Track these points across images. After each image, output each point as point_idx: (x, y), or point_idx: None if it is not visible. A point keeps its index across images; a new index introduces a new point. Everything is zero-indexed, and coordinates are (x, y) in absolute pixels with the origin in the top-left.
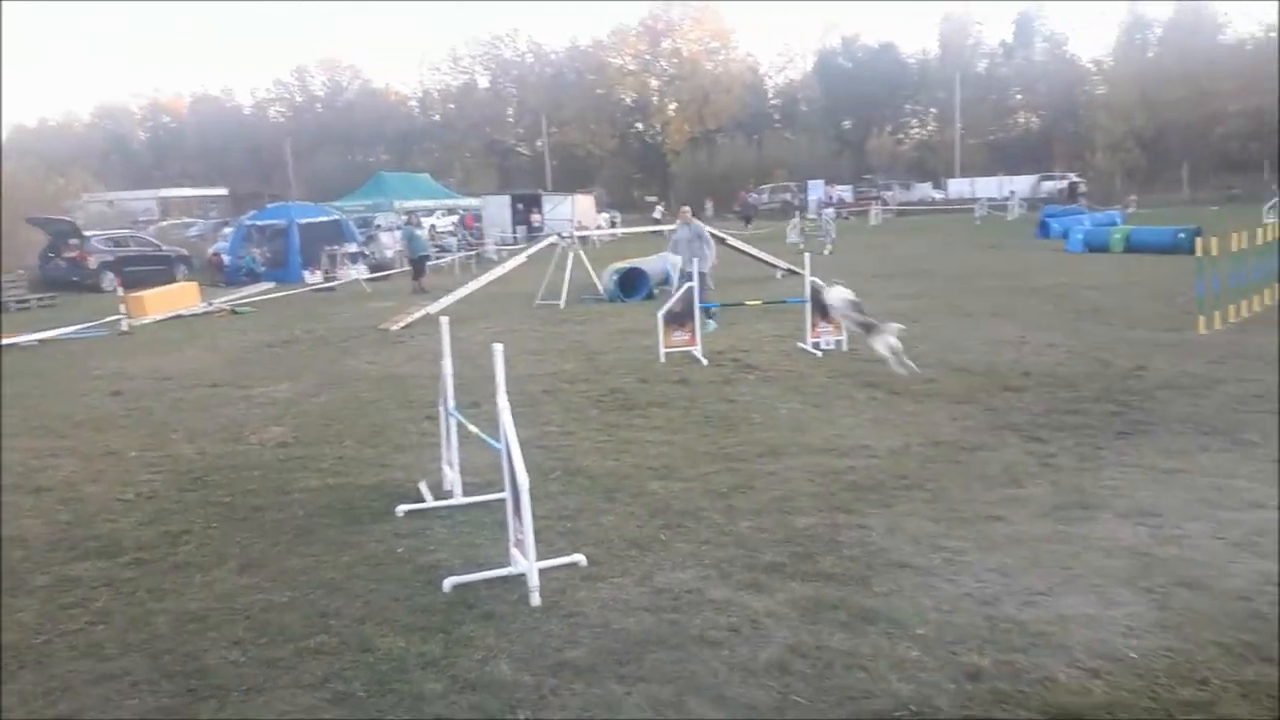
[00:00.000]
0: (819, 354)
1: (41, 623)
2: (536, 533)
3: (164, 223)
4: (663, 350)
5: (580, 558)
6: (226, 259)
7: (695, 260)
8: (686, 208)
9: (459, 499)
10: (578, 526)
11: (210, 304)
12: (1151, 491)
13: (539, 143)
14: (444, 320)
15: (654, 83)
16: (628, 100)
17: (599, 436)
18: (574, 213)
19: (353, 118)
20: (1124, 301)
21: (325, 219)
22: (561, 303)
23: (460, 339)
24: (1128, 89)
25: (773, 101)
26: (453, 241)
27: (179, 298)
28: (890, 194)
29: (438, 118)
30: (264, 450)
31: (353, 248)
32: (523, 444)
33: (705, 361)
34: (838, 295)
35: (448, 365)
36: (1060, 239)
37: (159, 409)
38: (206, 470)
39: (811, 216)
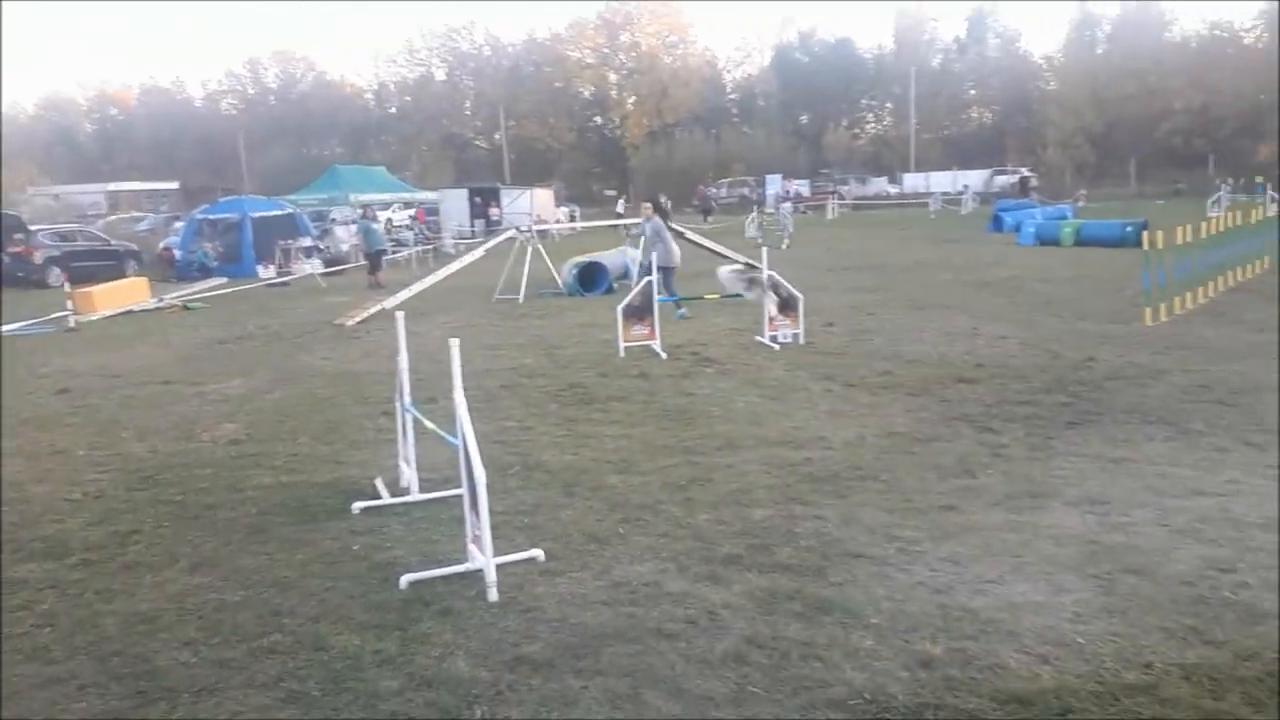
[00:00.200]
0: (776, 347)
1: None
2: (494, 528)
3: (112, 217)
4: (622, 344)
5: (538, 553)
6: (178, 254)
7: (654, 255)
8: (648, 204)
9: (416, 495)
10: (536, 521)
11: (161, 299)
12: (1099, 480)
13: (497, 136)
14: (399, 315)
15: (612, 76)
16: (586, 94)
17: (558, 431)
18: (533, 206)
19: (307, 110)
20: (1074, 294)
21: (279, 213)
22: (520, 297)
23: (417, 334)
24: (1078, 85)
25: (730, 96)
26: (409, 235)
27: (129, 293)
28: (846, 188)
29: (394, 110)
30: (216, 448)
31: (307, 242)
32: (481, 439)
33: (664, 355)
34: (724, 270)
35: (404, 360)
36: (1013, 233)
37: (107, 407)
38: (157, 469)
39: (769, 211)
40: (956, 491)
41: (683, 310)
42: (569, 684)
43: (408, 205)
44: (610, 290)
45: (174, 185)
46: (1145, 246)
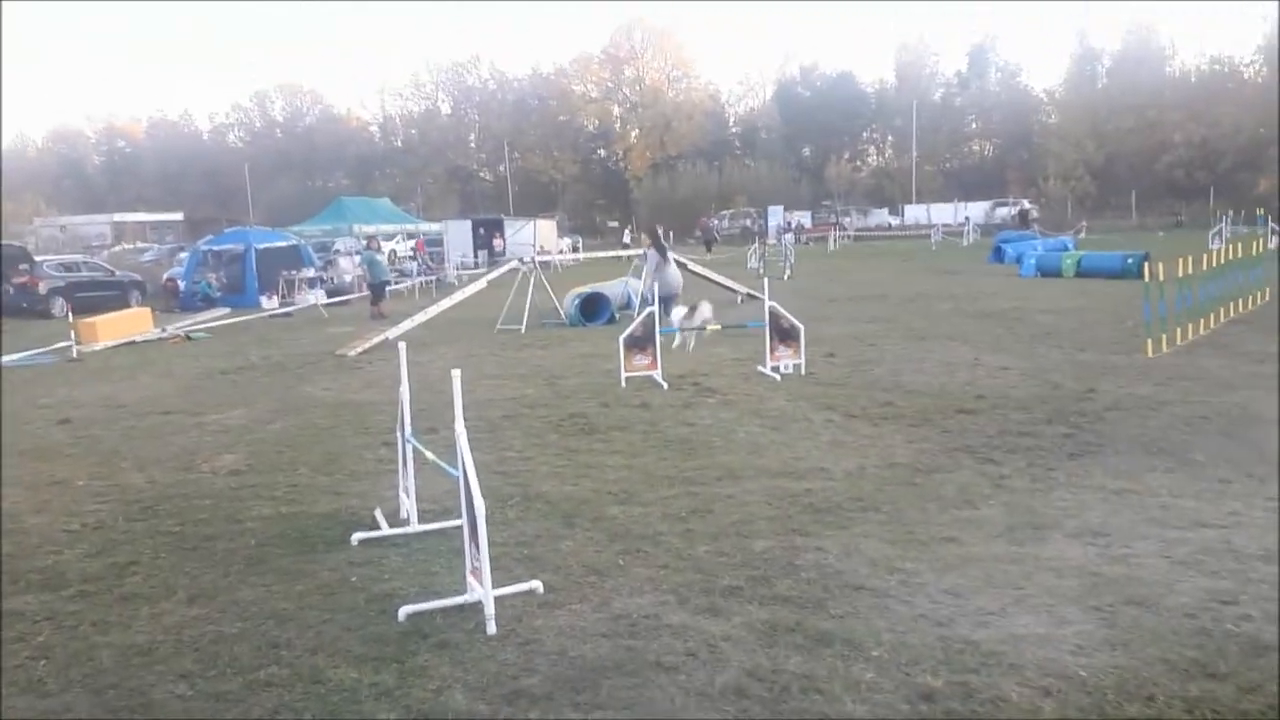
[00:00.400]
0: (778, 378)
1: None
2: (494, 559)
3: (117, 248)
4: (624, 375)
5: (537, 584)
6: (181, 284)
7: (655, 286)
8: (646, 236)
9: (415, 526)
10: (535, 553)
11: (164, 330)
12: (1101, 512)
13: (501, 168)
14: (402, 345)
15: (616, 110)
16: (590, 127)
17: (558, 461)
18: (536, 237)
19: (313, 143)
20: (1075, 325)
21: (283, 244)
22: (523, 327)
23: (419, 364)
24: (1078, 119)
25: (733, 129)
26: (413, 266)
27: (131, 324)
28: (848, 220)
29: (399, 143)
30: (216, 478)
31: (311, 272)
32: (481, 470)
33: (666, 385)
34: (676, 313)
35: (405, 391)
36: (1014, 264)
37: (108, 437)
38: (156, 499)
39: (771, 242)
40: (958, 523)
41: (690, 339)
42: (567, 718)
43: (411, 236)
44: (612, 320)
45: (179, 216)
46: (1147, 278)
